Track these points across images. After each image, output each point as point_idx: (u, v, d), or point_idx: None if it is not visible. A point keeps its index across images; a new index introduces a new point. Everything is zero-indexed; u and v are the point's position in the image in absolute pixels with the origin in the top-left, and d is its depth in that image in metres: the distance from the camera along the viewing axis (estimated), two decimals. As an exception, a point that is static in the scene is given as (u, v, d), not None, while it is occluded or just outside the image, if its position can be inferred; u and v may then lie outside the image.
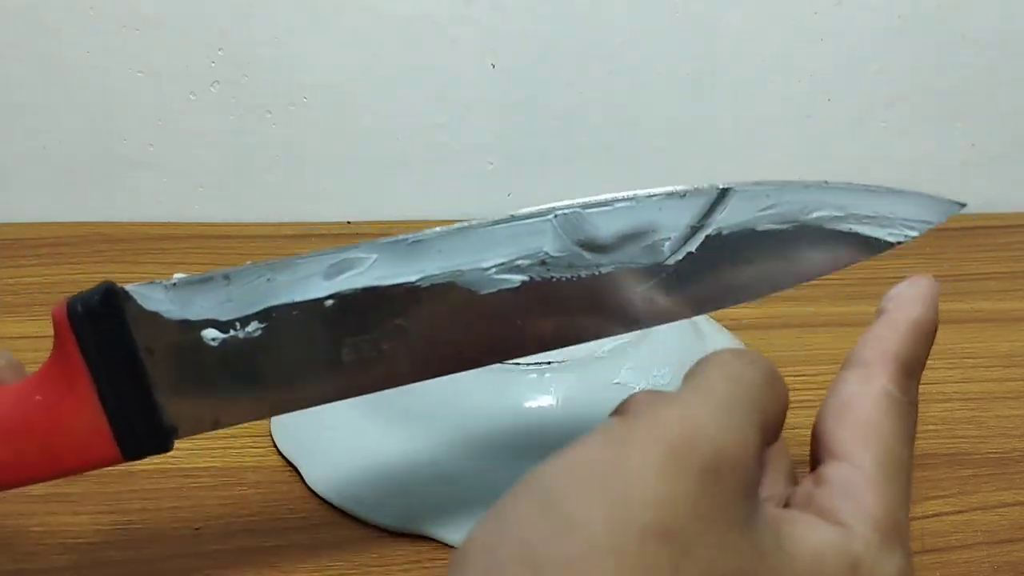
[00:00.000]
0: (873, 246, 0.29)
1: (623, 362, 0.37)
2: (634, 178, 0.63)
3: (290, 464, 0.37)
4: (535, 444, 0.36)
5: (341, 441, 0.37)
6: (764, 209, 0.27)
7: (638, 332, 0.38)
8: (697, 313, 0.29)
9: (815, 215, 0.28)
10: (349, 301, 0.26)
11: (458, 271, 0.26)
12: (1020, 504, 0.37)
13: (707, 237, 0.27)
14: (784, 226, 0.27)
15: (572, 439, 0.36)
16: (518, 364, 0.37)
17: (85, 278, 0.52)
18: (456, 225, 0.26)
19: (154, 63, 0.57)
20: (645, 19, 0.59)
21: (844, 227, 0.28)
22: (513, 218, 0.26)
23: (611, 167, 0.62)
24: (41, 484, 0.36)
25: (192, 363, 0.26)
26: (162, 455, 0.38)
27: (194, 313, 0.26)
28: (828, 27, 0.60)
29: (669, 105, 0.61)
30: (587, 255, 0.26)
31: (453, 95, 0.60)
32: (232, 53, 0.57)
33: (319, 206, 0.61)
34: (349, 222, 0.61)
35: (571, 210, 0.26)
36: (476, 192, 0.62)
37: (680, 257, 0.27)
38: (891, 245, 0.29)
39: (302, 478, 0.37)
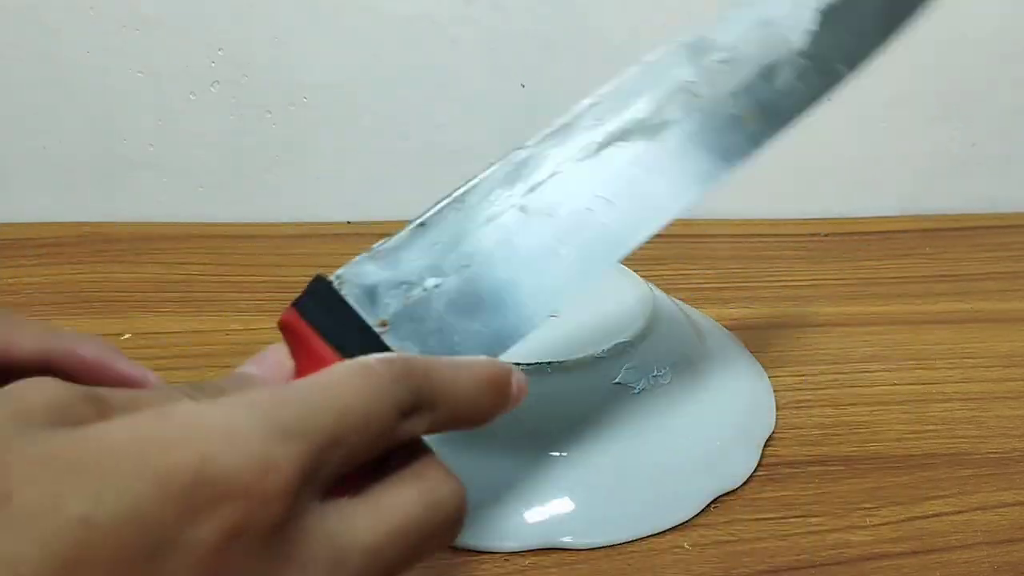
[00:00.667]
0: None
1: (623, 362, 0.37)
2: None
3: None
4: (535, 444, 0.36)
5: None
6: None
7: (638, 332, 0.38)
8: (830, 86, 0.29)
9: None
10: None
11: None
12: (1020, 504, 0.37)
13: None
14: None
15: (572, 438, 0.36)
16: (518, 364, 0.37)
17: (85, 278, 0.52)
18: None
19: (154, 63, 0.57)
20: (645, 19, 0.59)
21: None
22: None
23: (611, 167, 0.62)
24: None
25: (425, 316, 0.26)
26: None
27: (408, 271, 0.26)
28: (828, 27, 0.60)
29: (669, 105, 0.61)
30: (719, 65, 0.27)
31: (453, 95, 0.60)
32: (232, 53, 0.57)
33: (319, 206, 0.61)
34: (349, 222, 0.61)
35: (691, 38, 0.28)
36: (476, 192, 0.62)
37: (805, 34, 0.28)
38: None
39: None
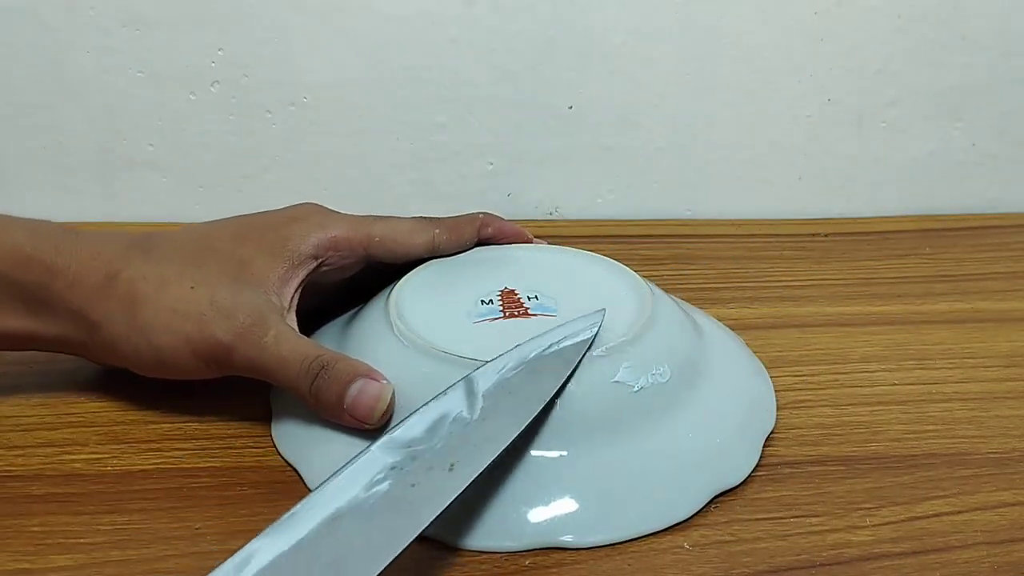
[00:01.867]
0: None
1: (622, 360, 0.37)
2: (634, 178, 0.63)
3: (290, 465, 0.37)
4: (535, 443, 0.36)
5: (341, 442, 0.37)
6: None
7: (637, 330, 0.38)
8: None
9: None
10: None
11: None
12: (1020, 504, 0.37)
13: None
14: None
15: (571, 437, 0.36)
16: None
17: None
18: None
19: (154, 63, 0.57)
20: (645, 19, 0.59)
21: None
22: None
23: (611, 167, 0.62)
24: (41, 484, 0.36)
25: None
26: (161, 456, 0.38)
27: None
28: (828, 27, 0.60)
29: (669, 105, 0.61)
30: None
31: (453, 95, 0.60)
32: (232, 53, 0.57)
33: (321, 204, 0.61)
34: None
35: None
36: (476, 192, 0.62)
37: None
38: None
39: (302, 479, 0.37)
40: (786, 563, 0.33)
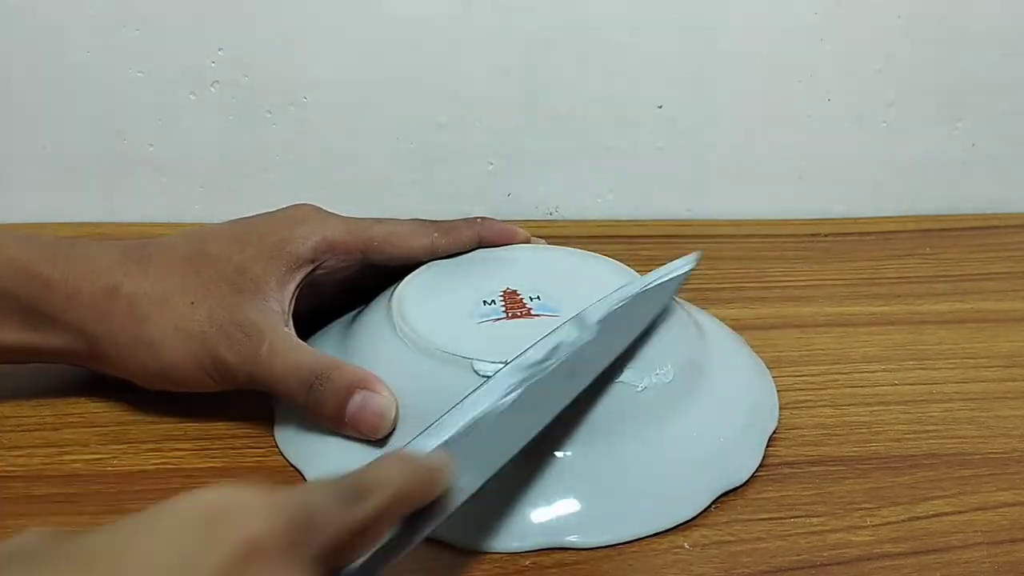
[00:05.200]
0: None
1: (626, 361, 0.37)
2: (634, 178, 0.63)
3: (292, 465, 0.37)
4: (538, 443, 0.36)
5: (344, 442, 0.37)
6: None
7: (641, 331, 0.38)
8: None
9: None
10: None
11: None
12: (1020, 504, 0.37)
13: None
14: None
15: (575, 438, 0.36)
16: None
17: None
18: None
19: (154, 63, 0.57)
20: (645, 19, 0.59)
21: None
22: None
23: (611, 167, 0.62)
24: (42, 484, 0.36)
25: None
26: (162, 456, 0.38)
27: None
28: (828, 27, 0.60)
29: (669, 105, 0.61)
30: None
31: (453, 95, 0.60)
32: (232, 53, 0.57)
33: (319, 206, 0.61)
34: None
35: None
36: (476, 192, 0.62)
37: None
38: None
39: (304, 479, 0.37)
40: (786, 563, 0.34)
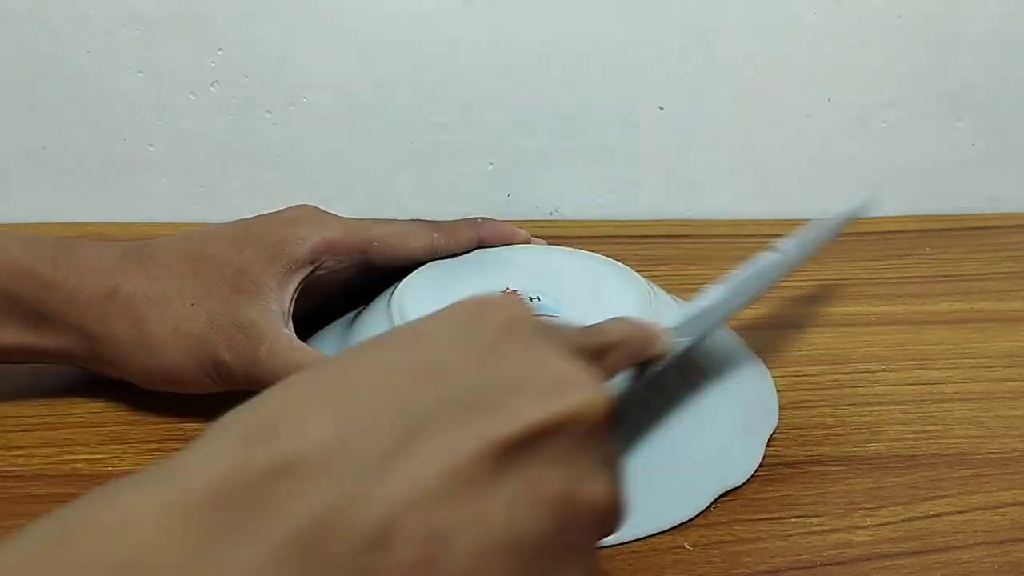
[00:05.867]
0: None
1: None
2: (634, 178, 0.63)
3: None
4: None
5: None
6: None
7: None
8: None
9: None
10: None
11: None
12: (1020, 504, 0.37)
13: None
14: None
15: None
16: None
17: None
18: None
19: (154, 63, 0.57)
20: (645, 19, 0.59)
21: None
22: None
23: (611, 167, 0.62)
24: (43, 484, 0.36)
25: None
26: (162, 456, 0.38)
27: None
28: (828, 27, 0.60)
29: (669, 105, 0.61)
30: None
31: (453, 95, 0.60)
32: (232, 53, 0.57)
33: (319, 206, 0.61)
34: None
35: None
36: (476, 192, 0.62)
37: None
38: None
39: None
40: (787, 563, 0.34)
